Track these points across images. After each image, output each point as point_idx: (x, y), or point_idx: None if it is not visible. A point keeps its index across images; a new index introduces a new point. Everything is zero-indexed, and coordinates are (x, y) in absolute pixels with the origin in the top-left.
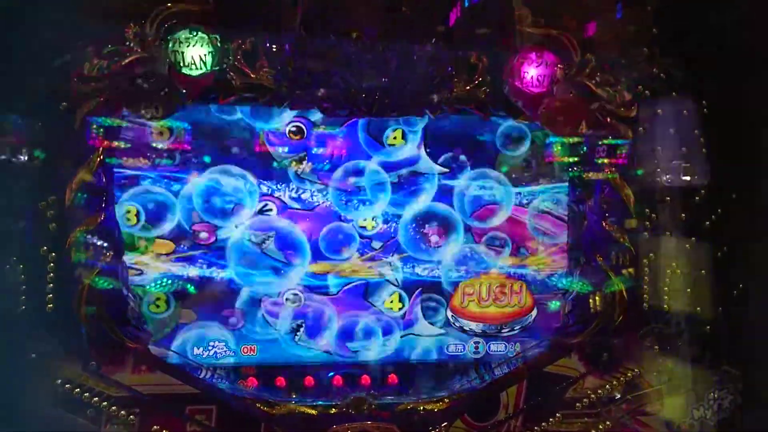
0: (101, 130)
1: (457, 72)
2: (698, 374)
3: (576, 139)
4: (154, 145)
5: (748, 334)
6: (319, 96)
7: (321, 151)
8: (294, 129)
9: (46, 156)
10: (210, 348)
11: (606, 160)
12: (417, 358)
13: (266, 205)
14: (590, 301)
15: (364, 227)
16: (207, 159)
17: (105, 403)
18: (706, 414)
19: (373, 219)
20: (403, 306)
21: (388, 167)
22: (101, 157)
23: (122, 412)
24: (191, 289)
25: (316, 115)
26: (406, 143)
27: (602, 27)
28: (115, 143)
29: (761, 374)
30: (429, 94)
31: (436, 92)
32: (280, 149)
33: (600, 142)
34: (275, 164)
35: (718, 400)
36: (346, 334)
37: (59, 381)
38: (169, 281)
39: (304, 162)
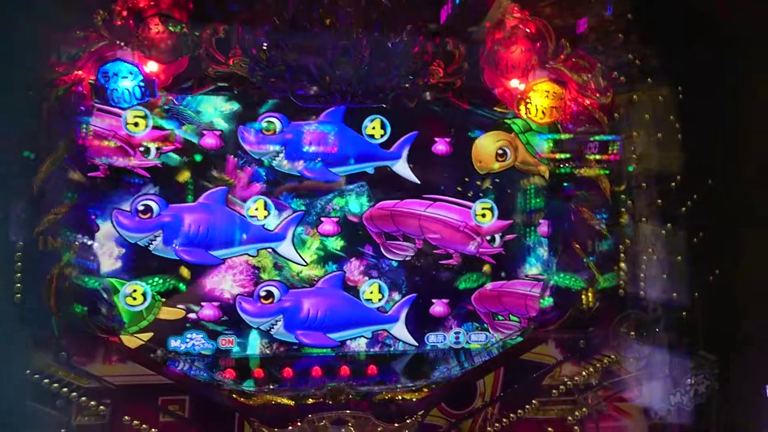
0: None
1: (434, 60)
2: (675, 360)
3: (553, 127)
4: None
5: (724, 320)
6: (293, 84)
7: (299, 144)
8: (266, 124)
9: (14, 143)
10: (188, 340)
11: (583, 148)
12: (396, 348)
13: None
14: (567, 288)
15: (254, 216)
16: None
17: (75, 394)
18: (683, 400)
19: (265, 208)
20: (383, 297)
21: (361, 158)
22: (71, 144)
23: (92, 402)
24: (182, 287)
25: (291, 109)
26: (385, 133)
27: (577, 13)
28: (87, 131)
29: (737, 360)
30: (405, 82)
31: (412, 81)
32: (255, 145)
33: (577, 131)
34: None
35: (694, 386)
36: (325, 326)
37: (28, 372)
38: (160, 280)
39: (281, 156)
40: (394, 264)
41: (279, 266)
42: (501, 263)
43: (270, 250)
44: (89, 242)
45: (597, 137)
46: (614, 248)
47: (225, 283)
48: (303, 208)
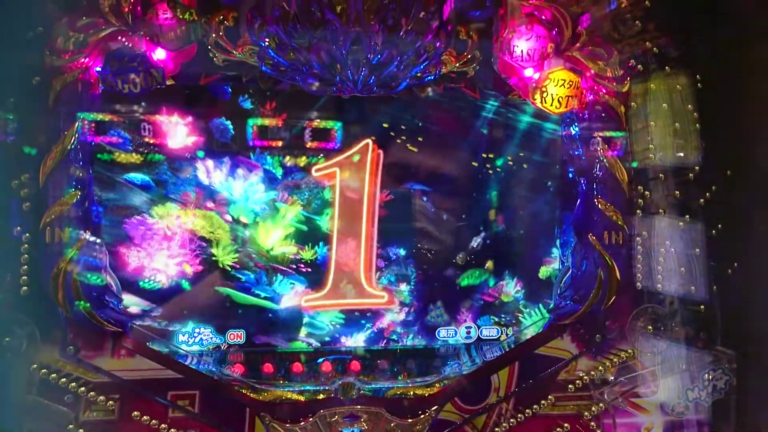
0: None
1: (446, 48)
2: (692, 355)
3: (569, 116)
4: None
5: (743, 315)
6: (304, 72)
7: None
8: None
9: (19, 132)
10: (195, 335)
11: (600, 138)
12: (404, 344)
13: None
14: (583, 281)
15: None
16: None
17: (83, 389)
18: (701, 395)
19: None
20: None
21: None
22: (76, 133)
23: (101, 397)
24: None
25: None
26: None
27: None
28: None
29: (756, 354)
30: (417, 72)
31: (425, 69)
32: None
33: (593, 120)
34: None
35: (712, 381)
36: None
37: (35, 366)
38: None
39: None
40: (402, 252)
41: (241, 239)
42: (512, 256)
43: (230, 219)
44: (95, 235)
45: (612, 126)
46: (630, 241)
47: (158, 261)
48: (281, 171)
